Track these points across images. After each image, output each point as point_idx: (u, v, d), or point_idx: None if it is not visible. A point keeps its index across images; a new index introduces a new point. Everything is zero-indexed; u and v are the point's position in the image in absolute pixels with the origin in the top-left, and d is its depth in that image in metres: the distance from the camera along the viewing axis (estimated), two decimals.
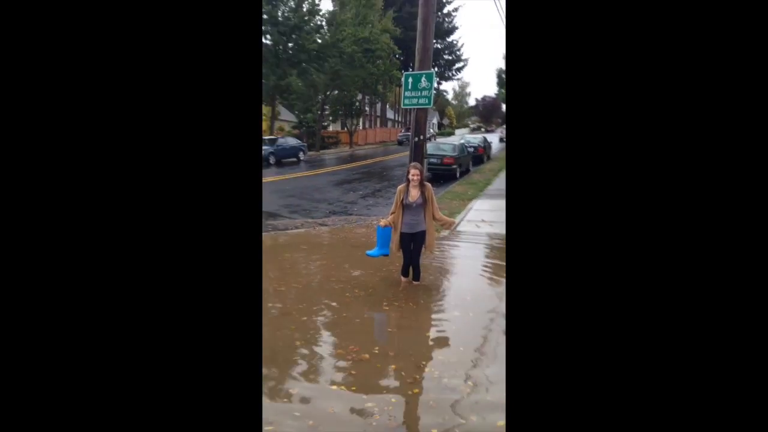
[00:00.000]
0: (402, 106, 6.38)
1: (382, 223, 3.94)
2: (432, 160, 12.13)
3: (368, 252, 4.10)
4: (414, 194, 3.85)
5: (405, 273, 4.09)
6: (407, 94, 6.13)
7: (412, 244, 3.93)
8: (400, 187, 3.92)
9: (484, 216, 7.30)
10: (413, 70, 6.15)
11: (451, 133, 41.48)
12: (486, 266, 4.78)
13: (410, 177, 3.83)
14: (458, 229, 6.60)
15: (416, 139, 6.16)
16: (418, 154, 6.18)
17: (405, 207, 3.88)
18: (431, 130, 38.51)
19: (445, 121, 52.14)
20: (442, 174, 12.09)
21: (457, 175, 12.36)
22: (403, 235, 3.91)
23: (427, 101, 6.04)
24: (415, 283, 4.05)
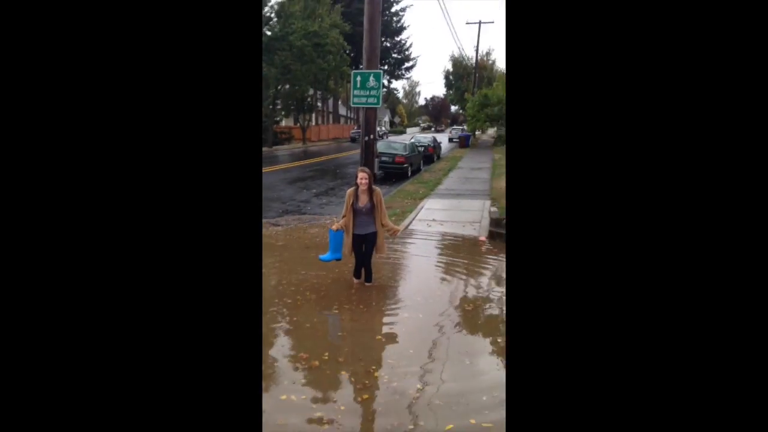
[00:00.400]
0: (351, 104, 6.36)
1: (334, 227, 3.92)
2: (384, 158, 12.21)
3: (321, 257, 4.07)
4: (363, 199, 3.87)
5: (357, 275, 4.10)
6: (356, 92, 6.12)
7: (364, 246, 3.95)
8: (350, 191, 3.92)
9: (435, 215, 7.46)
10: (362, 68, 6.15)
11: (403, 132, 41.97)
12: (438, 265, 4.92)
13: (358, 182, 3.84)
14: (410, 227, 6.70)
15: (366, 138, 6.19)
16: (369, 152, 6.22)
17: (355, 211, 3.89)
18: (383, 128, 38.71)
19: (396, 119, 52.70)
20: (393, 173, 12.20)
21: (409, 174, 12.52)
22: (355, 237, 3.91)
23: (375, 101, 6.08)
24: (367, 284, 4.07)
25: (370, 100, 6.13)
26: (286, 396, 2.36)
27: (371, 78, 6.07)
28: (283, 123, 26.33)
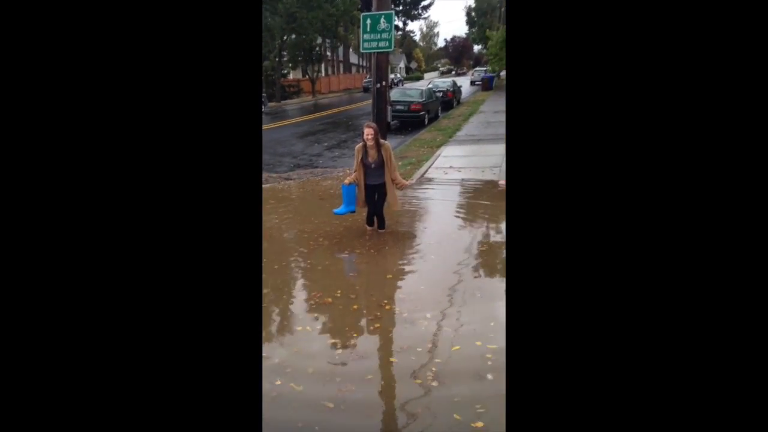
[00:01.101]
0: (361, 51, 6.11)
1: (347, 181, 3.99)
2: (398, 107, 11.86)
3: (335, 210, 4.17)
4: (372, 154, 3.87)
5: (370, 222, 4.19)
6: (366, 36, 5.85)
7: (376, 195, 4.01)
8: (358, 146, 3.91)
9: (452, 162, 7.35)
10: (373, 11, 5.83)
11: (420, 77, 40.11)
12: (453, 210, 4.95)
13: (364, 138, 3.80)
14: (426, 175, 6.66)
15: (378, 85, 5.99)
16: (381, 101, 6.05)
17: (365, 166, 3.92)
18: (399, 75, 37.13)
19: (413, 65, 50.27)
20: (409, 121, 11.89)
21: (426, 121, 12.18)
22: (367, 187, 3.96)
23: (387, 44, 5.81)
24: (380, 231, 4.18)
25: (381, 44, 5.86)
26: (301, 327, 2.55)
27: (382, 20, 5.76)
28: (291, 76, 25.60)
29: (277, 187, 6.23)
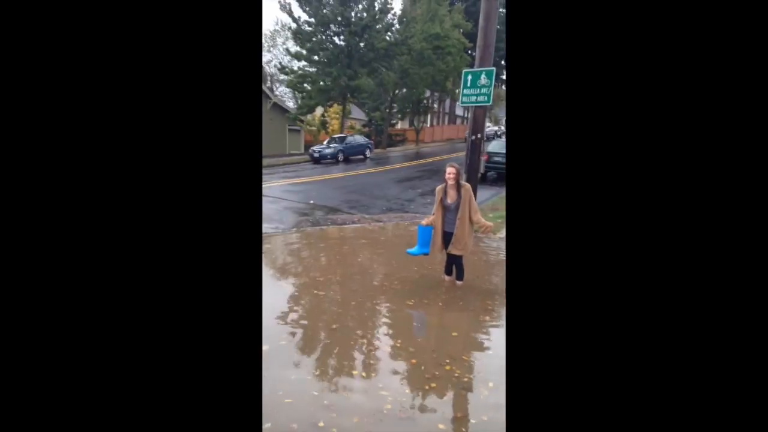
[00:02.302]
0: (461, 104, 6.27)
1: (424, 222, 3.97)
2: (496, 158, 11.68)
3: (408, 250, 4.12)
4: (452, 195, 3.82)
5: (448, 271, 4.07)
6: (466, 91, 6.02)
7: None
8: (439, 187, 3.91)
9: None
10: (475, 67, 6.02)
11: None
12: None
13: (446, 177, 3.80)
14: None
15: (474, 137, 6.03)
16: (476, 152, 6.05)
17: (445, 208, 3.87)
18: (501, 127, 36.93)
19: None
20: (506, 174, 11.57)
21: None
22: (445, 234, 3.89)
23: (486, 99, 5.88)
24: (458, 282, 4.01)
25: (480, 98, 5.96)
26: (356, 373, 2.51)
27: (483, 76, 5.90)
28: (399, 125, 27.31)
29: (367, 227, 6.51)
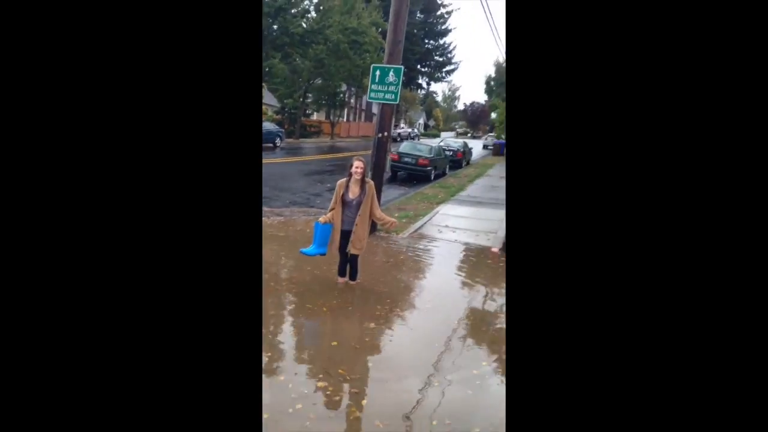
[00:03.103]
0: (368, 99, 6.13)
1: (322, 219, 3.67)
2: (406, 159, 11.96)
3: (303, 250, 3.77)
4: (355, 190, 3.63)
5: (342, 272, 3.87)
6: (374, 87, 5.89)
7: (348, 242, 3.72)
8: (341, 181, 3.67)
9: (449, 221, 7.16)
10: (383, 63, 5.92)
11: (437, 135, 41.46)
12: (435, 271, 4.61)
13: (352, 170, 3.56)
14: (420, 231, 6.43)
15: (380, 134, 5.94)
16: (381, 150, 5.97)
17: (345, 203, 3.66)
18: (416, 130, 38.39)
19: (432, 122, 52.13)
20: (415, 175, 11.94)
21: (431, 177, 12.21)
22: (342, 233, 3.68)
23: (393, 97, 5.82)
24: (351, 282, 3.84)
25: (388, 96, 5.88)
26: None
27: (391, 73, 5.83)
28: (315, 116, 26.56)
29: (266, 221, 6.01)
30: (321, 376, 2.36)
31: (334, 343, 2.81)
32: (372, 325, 3.12)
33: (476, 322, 3.38)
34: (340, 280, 3.87)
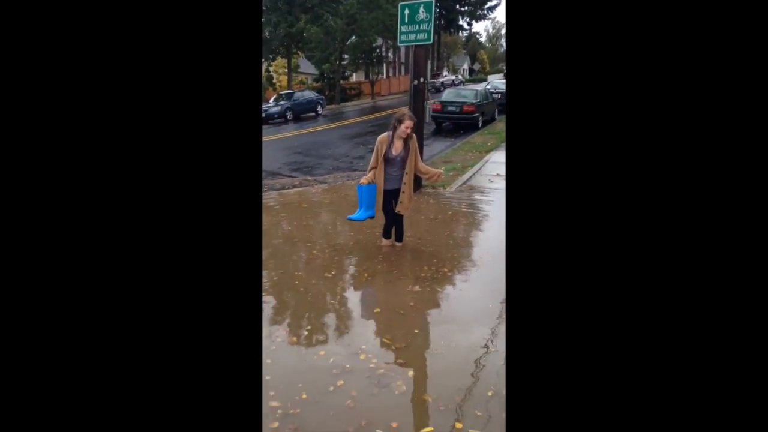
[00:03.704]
0: (398, 43, 5.58)
1: (364, 180, 3.37)
2: (450, 108, 11.18)
3: (350, 216, 3.49)
4: (398, 146, 3.32)
5: (387, 234, 3.65)
6: (403, 28, 5.31)
7: (394, 202, 3.44)
8: (382, 137, 3.35)
9: (501, 169, 6.60)
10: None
11: (484, 79, 38.61)
12: (487, 227, 4.22)
13: (403, 129, 3.20)
14: (469, 182, 6.00)
15: (415, 81, 5.42)
16: (419, 98, 5.47)
17: (387, 161, 3.36)
18: (460, 77, 36.00)
19: (476, 66, 48.50)
20: (462, 124, 11.17)
21: (479, 124, 11.38)
22: (385, 193, 3.41)
23: (426, 36, 5.22)
24: (398, 244, 3.62)
25: (420, 36, 5.29)
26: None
27: (421, 9, 5.20)
28: (354, 78, 25.84)
29: (310, 190, 5.95)
30: (363, 347, 2.19)
31: (377, 310, 2.63)
32: (417, 288, 2.88)
33: None
34: (385, 242, 3.65)
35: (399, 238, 3.63)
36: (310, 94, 16.82)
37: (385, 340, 2.26)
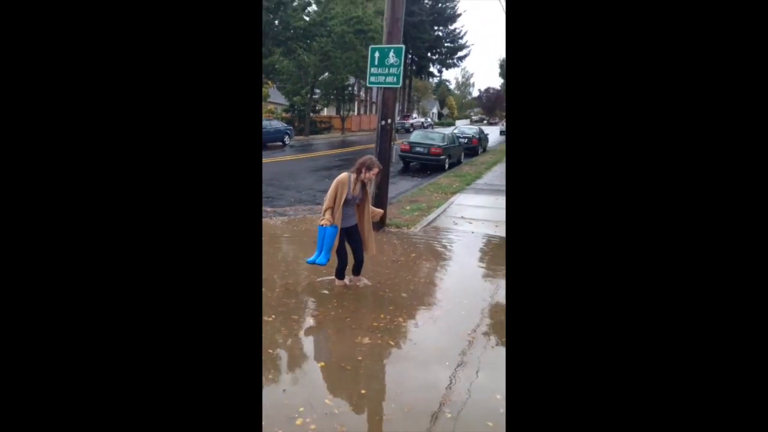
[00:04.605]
0: (368, 85, 5.65)
1: (325, 222, 3.16)
2: (418, 148, 11.45)
3: (309, 260, 3.26)
4: (356, 189, 3.25)
5: (342, 275, 3.46)
6: (373, 70, 5.40)
7: (347, 238, 3.35)
8: (342, 178, 3.24)
9: (465, 212, 6.67)
10: (383, 44, 5.43)
11: (451, 124, 40.49)
12: (449, 268, 4.13)
13: (370, 175, 3.25)
14: (434, 224, 5.97)
15: (383, 122, 5.46)
16: (386, 139, 5.49)
17: (344, 201, 3.25)
18: (429, 120, 37.56)
19: (445, 111, 50.99)
20: (428, 165, 11.43)
21: (446, 166, 11.68)
22: (341, 231, 3.27)
23: (395, 80, 5.32)
24: (355, 278, 3.45)
25: (389, 79, 5.39)
26: None
27: (391, 54, 5.33)
28: (325, 112, 26.20)
29: (267, 222, 5.66)
30: (301, 410, 1.93)
31: (322, 364, 2.38)
32: (366, 340, 2.66)
33: (491, 312, 2.90)
34: (339, 283, 3.46)
35: (357, 270, 3.49)
36: (278, 124, 16.73)
37: (326, 402, 2.01)
